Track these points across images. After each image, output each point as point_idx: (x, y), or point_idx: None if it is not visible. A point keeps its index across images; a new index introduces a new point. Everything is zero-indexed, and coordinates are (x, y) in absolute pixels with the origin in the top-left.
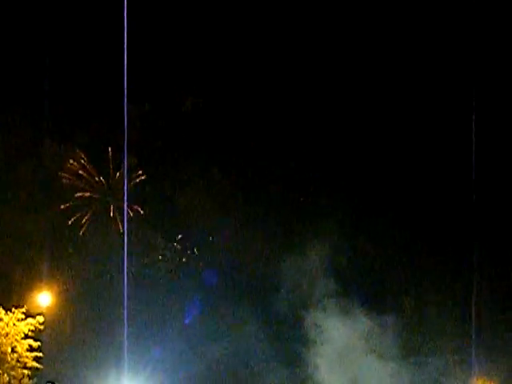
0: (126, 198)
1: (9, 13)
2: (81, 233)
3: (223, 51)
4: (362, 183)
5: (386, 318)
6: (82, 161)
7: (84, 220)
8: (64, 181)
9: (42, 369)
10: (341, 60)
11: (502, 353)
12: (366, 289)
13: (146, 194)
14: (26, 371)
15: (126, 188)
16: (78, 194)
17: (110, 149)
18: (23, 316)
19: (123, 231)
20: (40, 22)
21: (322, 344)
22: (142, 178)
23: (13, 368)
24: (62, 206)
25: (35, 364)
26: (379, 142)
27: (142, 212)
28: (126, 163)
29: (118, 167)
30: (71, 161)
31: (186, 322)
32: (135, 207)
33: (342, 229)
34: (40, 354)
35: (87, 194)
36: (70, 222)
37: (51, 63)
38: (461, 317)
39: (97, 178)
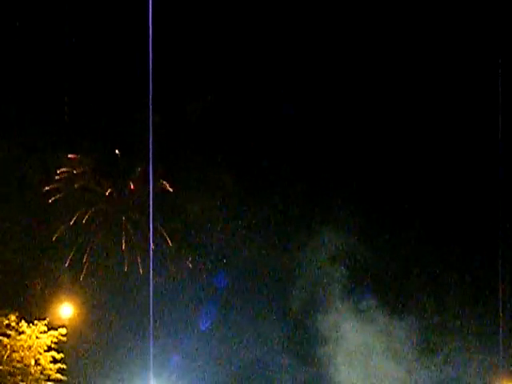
0: (151, 209)
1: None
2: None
3: (230, 54)
4: (382, 179)
5: (405, 317)
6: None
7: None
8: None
9: (65, 381)
10: (356, 57)
11: None
12: (385, 287)
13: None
14: (49, 383)
15: (151, 200)
16: (96, 208)
17: (118, 157)
18: (46, 328)
19: (148, 243)
20: (53, 27)
21: (338, 343)
22: (168, 188)
23: (37, 380)
24: (83, 219)
25: (59, 376)
26: (401, 135)
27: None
28: (151, 175)
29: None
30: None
31: (203, 328)
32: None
33: (360, 226)
34: (63, 366)
35: (103, 206)
36: (89, 234)
37: (64, 71)
38: (484, 316)
39: (110, 189)
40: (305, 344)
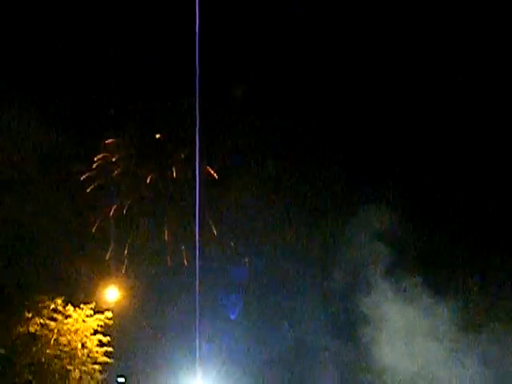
0: (198, 196)
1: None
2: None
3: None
4: (429, 155)
5: (449, 297)
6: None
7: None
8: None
9: (112, 363)
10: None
11: None
12: (429, 266)
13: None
14: (96, 366)
15: (198, 187)
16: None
17: (160, 142)
18: (92, 312)
19: (195, 229)
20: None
21: (381, 323)
22: (214, 175)
23: (83, 363)
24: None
25: (106, 359)
26: (453, 112)
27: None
28: (198, 160)
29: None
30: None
31: (232, 317)
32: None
33: (404, 204)
34: (110, 349)
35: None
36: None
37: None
38: None
39: (151, 176)
40: (347, 324)
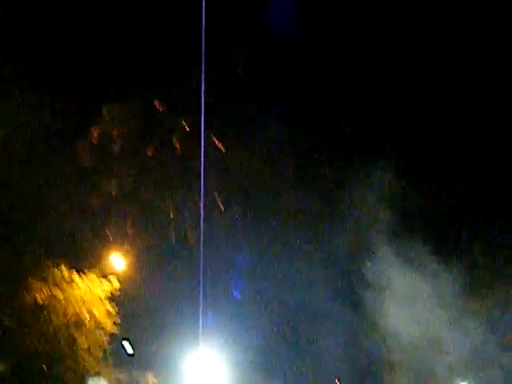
0: (203, 173)
1: None
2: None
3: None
4: (436, 118)
5: (454, 263)
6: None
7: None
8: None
9: (118, 333)
10: None
11: None
12: (435, 232)
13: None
14: (104, 336)
15: (203, 158)
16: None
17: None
18: (98, 280)
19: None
20: None
21: (386, 288)
22: (220, 147)
23: (92, 332)
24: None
25: (114, 329)
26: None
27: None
28: (203, 130)
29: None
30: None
31: (236, 295)
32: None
33: (411, 167)
34: (118, 319)
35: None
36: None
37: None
38: None
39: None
40: (350, 289)
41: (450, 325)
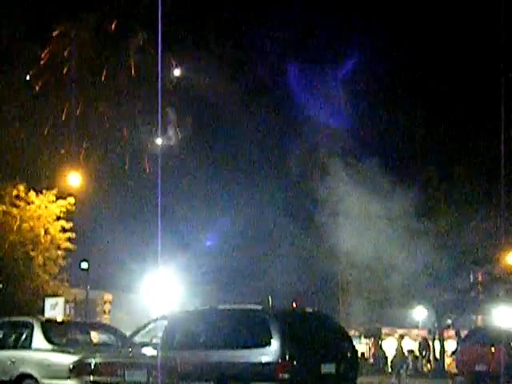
0: (160, 95)
1: None
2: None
3: None
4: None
5: (409, 184)
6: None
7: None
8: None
9: (74, 249)
10: None
11: None
12: (390, 151)
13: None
14: (59, 252)
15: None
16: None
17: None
18: (54, 198)
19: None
20: None
21: (339, 207)
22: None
23: (47, 249)
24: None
25: (68, 245)
26: None
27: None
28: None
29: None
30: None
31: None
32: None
33: (360, 82)
34: (73, 235)
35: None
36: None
37: None
38: (490, 185)
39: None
40: (304, 209)
41: (402, 245)
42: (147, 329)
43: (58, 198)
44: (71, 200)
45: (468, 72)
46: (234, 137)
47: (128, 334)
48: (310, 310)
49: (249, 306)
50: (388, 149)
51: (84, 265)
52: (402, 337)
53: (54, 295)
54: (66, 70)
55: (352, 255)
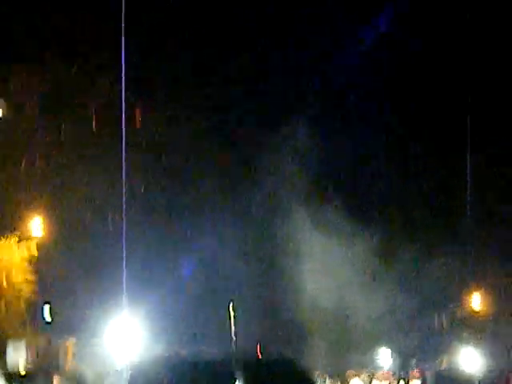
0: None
1: None
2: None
3: None
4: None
5: (369, 226)
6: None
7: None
8: None
9: (39, 298)
10: None
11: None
12: (350, 194)
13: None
14: (22, 305)
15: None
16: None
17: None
18: (17, 245)
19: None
20: None
21: (300, 251)
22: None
23: (10, 303)
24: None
25: (32, 296)
26: None
27: None
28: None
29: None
30: None
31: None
32: None
33: (330, 125)
34: (35, 282)
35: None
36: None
37: None
38: (451, 227)
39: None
40: (266, 253)
41: (366, 289)
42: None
43: (21, 245)
44: (33, 244)
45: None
46: (197, 181)
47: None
48: (275, 358)
49: (214, 356)
50: (349, 189)
51: (47, 317)
52: (370, 377)
53: (16, 338)
54: (27, 112)
55: (315, 298)
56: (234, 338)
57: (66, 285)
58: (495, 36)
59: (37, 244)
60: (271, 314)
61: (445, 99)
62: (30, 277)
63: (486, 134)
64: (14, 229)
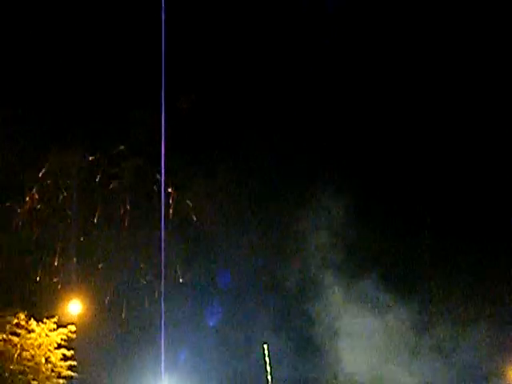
0: (163, 210)
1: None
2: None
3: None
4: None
5: (408, 302)
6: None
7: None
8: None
9: (76, 377)
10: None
11: None
12: (387, 269)
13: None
14: (61, 380)
15: (163, 203)
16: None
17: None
18: (55, 326)
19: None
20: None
21: (337, 327)
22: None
23: (48, 378)
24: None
25: (70, 373)
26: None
27: None
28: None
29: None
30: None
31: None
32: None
33: (361, 204)
34: (74, 363)
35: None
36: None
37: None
38: (491, 304)
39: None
40: (302, 328)
41: (404, 362)
42: None
43: (59, 326)
44: (72, 328)
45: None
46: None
47: None
48: None
49: None
50: (385, 262)
51: None
52: None
53: None
54: (60, 199)
55: (352, 374)
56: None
57: (103, 364)
58: None
59: (75, 326)
60: None
61: None
62: (68, 353)
63: None
64: (54, 311)
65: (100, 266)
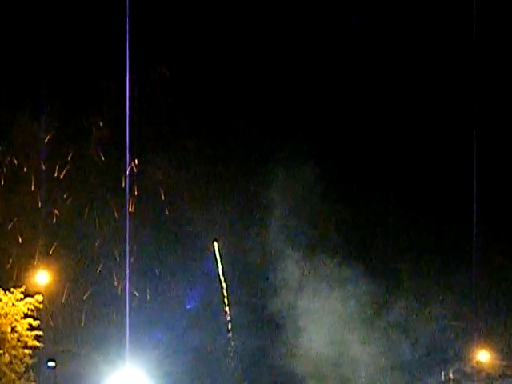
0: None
1: None
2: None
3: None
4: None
5: (378, 282)
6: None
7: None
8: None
9: (42, 347)
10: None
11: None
12: (358, 249)
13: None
14: (26, 350)
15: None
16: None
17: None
18: (22, 296)
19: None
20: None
21: (299, 303)
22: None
23: (14, 347)
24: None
25: (35, 343)
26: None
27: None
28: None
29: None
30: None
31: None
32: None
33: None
34: (40, 333)
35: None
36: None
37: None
38: (458, 283)
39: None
40: (274, 314)
41: (373, 342)
42: None
43: (26, 296)
44: (39, 298)
45: None
46: (195, 226)
47: None
48: None
49: None
50: (349, 236)
51: (51, 363)
52: None
53: None
54: (26, 171)
55: (310, 349)
56: None
57: (69, 335)
58: None
59: (42, 294)
60: (265, 360)
61: None
62: (34, 322)
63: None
64: (21, 281)
65: (68, 238)
